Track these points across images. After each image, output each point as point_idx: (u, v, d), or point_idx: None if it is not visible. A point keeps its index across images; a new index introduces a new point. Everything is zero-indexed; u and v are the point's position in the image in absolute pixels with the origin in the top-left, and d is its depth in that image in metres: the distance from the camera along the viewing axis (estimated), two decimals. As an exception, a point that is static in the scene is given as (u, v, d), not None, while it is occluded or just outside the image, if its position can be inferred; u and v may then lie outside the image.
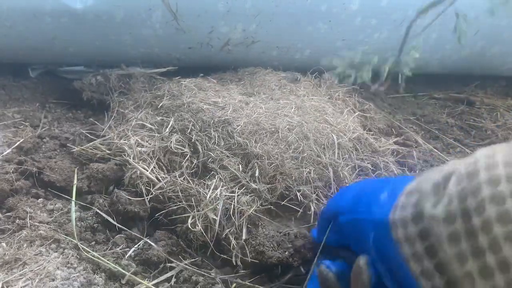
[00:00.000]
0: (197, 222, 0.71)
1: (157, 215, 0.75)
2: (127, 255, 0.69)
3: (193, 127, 0.87)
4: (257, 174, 0.78)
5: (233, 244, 0.70)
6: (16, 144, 0.87)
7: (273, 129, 0.86)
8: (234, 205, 0.73)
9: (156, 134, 0.87)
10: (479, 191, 0.38)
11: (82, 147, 0.87)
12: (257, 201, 0.76)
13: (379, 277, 0.49)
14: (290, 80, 1.11)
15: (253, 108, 0.93)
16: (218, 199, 0.73)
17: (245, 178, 0.78)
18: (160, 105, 0.94)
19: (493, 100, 1.33)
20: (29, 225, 0.70)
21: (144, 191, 0.77)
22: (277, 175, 0.79)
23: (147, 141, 0.85)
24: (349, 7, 1.10)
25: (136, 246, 0.71)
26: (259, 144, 0.83)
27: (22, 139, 0.89)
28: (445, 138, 1.12)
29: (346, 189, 0.62)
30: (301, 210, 0.78)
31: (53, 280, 0.62)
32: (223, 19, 1.05)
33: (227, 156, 0.81)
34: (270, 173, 0.79)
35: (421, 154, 1.01)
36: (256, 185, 0.77)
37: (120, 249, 0.70)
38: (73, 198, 0.77)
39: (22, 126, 0.96)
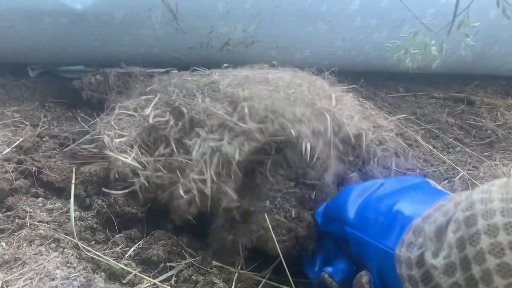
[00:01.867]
0: (182, 193, 0.67)
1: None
2: (127, 255, 0.69)
3: (177, 96, 0.82)
4: (246, 111, 0.71)
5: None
6: (16, 143, 0.87)
7: (261, 80, 0.81)
8: (220, 155, 0.67)
9: (137, 118, 0.83)
10: (478, 240, 0.39)
11: (72, 146, 0.85)
12: (246, 145, 0.69)
13: None
14: None
15: (242, 71, 0.89)
16: (203, 156, 0.68)
17: (232, 121, 0.72)
18: (149, 89, 0.92)
19: (493, 100, 1.33)
20: (28, 224, 0.70)
21: (129, 182, 0.74)
22: (268, 114, 0.72)
23: (127, 129, 0.81)
24: (348, 7, 1.10)
25: (136, 245, 0.71)
26: (246, 90, 0.76)
27: (22, 138, 0.88)
28: (445, 138, 1.12)
29: (349, 192, 0.62)
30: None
31: (53, 279, 0.61)
32: (223, 19, 1.05)
33: (214, 107, 0.75)
34: (260, 113, 0.72)
35: (421, 153, 1.01)
36: (245, 125, 0.70)
37: (120, 248, 0.70)
38: (72, 198, 0.77)
39: (21, 126, 0.96)
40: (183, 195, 0.68)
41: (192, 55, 1.13)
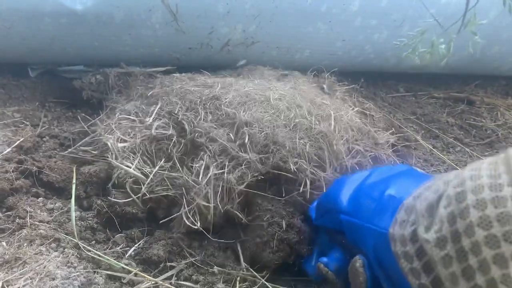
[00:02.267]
0: (187, 214, 0.69)
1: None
2: (127, 255, 0.69)
3: (180, 108, 0.83)
4: (246, 141, 0.74)
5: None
6: (16, 143, 0.87)
7: (262, 99, 0.83)
8: (224, 183, 0.70)
9: (138, 124, 0.83)
10: (467, 214, 0.41)
11: (71, 149, 0.86)
12: (248, 174, 0.72)
13: (375, 278, 0.53)
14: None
15: (243, 84, 0.90)
16: (208, 183, 0.70)
17: (234, 149, 0.74)
18: (150, 93, 0.92)
19: (493, 99, 1.33)
20: (29, 224, 0.70)
21: (130, 190, 0.75)
22: (269, 144, 0.75)
23: (130, 134, 0.81)
24: (349, 8, 1.10)
25: (136, 245, 0.71)
26: (247, 113, 0.78)
27: (22, 138, 0.88)
28: (445, 137, 1.12)
29: (342, 183, 0.65)
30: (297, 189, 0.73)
31: (54, 279, 0.61)
32: (223, 20, 1.06)
33: (215, 128, 0.77)
34: (261, 142, 0.75)
35: (421, 153, 1.01)
36: (246, 154, 0.73)
37: (121, 248, 0.70)
38: (73, 197, 0.77)
39: (22, 125, 0.96)
40: (188, 216, 0.70)
41: (192, 56, 1.13)
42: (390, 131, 1.01)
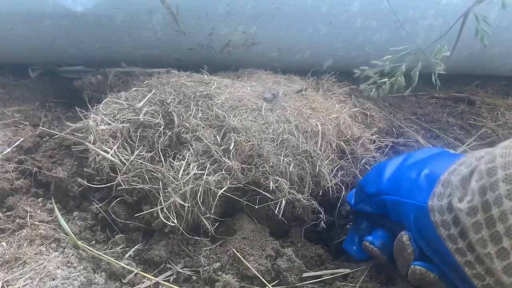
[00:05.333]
0: (161, 211, 0.69)
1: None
2: (127, 255, 0.69)
3: (172, 100, 0.82)
4: (232, 147, 0.73)
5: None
6: (16, 143, 0.87)
7: (254, 107, 0.82)
8: (203, 185, 0.69)
9: (126, 108, 0.81)
10: (497, 187, 0.47)
11: (61, 133, 0.85)
12: (228, 181, 0.71)
13: (419, 250, 0.59)
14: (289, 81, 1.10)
15: (239, 87, 0.90)
16: (187, 182, 0.69)
17: (218, 153, 0.73)
18: (145, 82, 0.91)
19: (494, 100, 1.33)
20: (29, 224, 0.70)
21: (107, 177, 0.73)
22: (254, 156, 0.75)
23: (115, 116, 0.80)
24: (349, 9, 1.10)
25: (136, 246, 0.71)
26: (237, 118, 0.78)
27: (22, 138, 0.88)
28: (446, 138, 1.11)
29: (381, 168, 0.69)
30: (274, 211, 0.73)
31: (53, 279, 0.61)
32: (224, 21, 1.06)
33: (203, 127, 0.77)
34: (245, 152, 0.74)
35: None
36: (229, 161, 0.72)
37: (121, 248, 0.70)
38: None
39: (22, 125, 0.96)
40: (163, 213, 0.69)
41: (192, 57, 1.13)
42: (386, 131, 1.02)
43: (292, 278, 0.66)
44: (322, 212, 0.78)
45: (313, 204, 0.77)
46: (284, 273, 0.66)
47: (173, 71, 1.01)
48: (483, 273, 0.49)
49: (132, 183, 0.72)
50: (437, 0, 1.14)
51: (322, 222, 0.78)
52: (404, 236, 0.60)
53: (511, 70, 1.40)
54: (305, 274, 0.69)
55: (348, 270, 0.70)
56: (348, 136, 0.90)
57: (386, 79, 0.65)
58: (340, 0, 1.08)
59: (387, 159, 0.78)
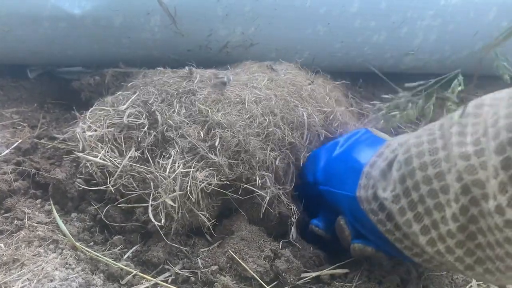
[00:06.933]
0: (150, 212, 0.69)
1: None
2: (125, 256, 0.69)
3: (155, 99, 0.82)
4: (217, 143, 0.73)
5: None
6: (15, 145, 0.87)
7: (238, 100, 0.82)
8: (190, 182, 0.69)
9: (111, 113, 0.82)
10: (414, 174, 0.54)
11: (53, 144, 0.85)
12: (215, 177, 0.71)
13: (356, 230, 0.68)
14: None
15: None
16: (175, 181, 0.69)
17: (204, 149, 0.73)
18: (130, 84, 0.91)
19: (493, 100, 1.33)
20: (27, 225, 0.70)
21: (100, 179, 0.74)
22: (241, 151, 0.74)
23: (101, 122, 0.80)
24: (348, 10, 1.10)
25: (134, 247, 0.71)
26: (221, 113, 0.78)
27: (21, 140, 0.88)
28: (445, 139, 1.11)
29: (315, 157, 0.79)
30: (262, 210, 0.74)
31: (52, 280, 0.61)
32: (222, 22, 1.06)
33: (187, 124, 0.76)
34: (232, 148, 0.74)
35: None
36: (216, 157, 0.72)
37: (119, 249, 0.70)
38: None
39: (20, 127, 0.95)
40: (155, 214, 0.69)
41: (191, 58, 1.13)
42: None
43: (291, 279, 0.66)
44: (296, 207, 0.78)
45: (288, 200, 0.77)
46: (283, 274, 0.66)
47: (159, 68, 0.99)
48: (410, 245, 0.58)
49: (120, 188, 0.72)
50: (435, 0, 1.14)
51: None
52: (341, 220, 0.70)
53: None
54: (303, 275, 0.69)
55: (346, 270, 0.71)
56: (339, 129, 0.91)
57: (397, 112, 0.65)
58: (339, 1, 1.09)
59: (320, 146, 0.83)
